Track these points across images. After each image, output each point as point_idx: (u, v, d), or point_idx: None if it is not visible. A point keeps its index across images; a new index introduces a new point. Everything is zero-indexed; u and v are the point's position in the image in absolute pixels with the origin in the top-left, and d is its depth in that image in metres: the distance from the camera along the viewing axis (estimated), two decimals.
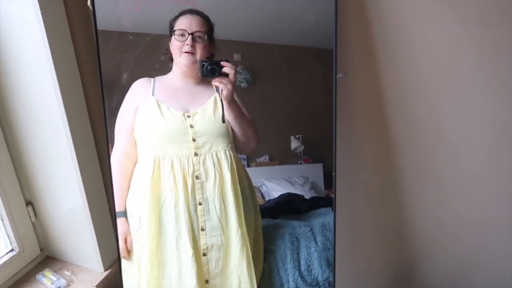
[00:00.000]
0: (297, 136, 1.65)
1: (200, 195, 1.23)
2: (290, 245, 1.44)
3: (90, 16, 1.17)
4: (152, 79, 1.28)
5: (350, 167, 1.45)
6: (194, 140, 1.22)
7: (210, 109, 1.27)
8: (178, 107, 1.24)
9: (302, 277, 1.39)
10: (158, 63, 1.31)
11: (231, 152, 1.28)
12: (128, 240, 1.27)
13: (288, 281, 1.38)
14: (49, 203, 1.41)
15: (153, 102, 1.23)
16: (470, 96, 1.27)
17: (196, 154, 1.23)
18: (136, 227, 1.26)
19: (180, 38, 1.22)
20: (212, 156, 1.24)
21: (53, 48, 1.15)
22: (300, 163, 1.70)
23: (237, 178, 1.29)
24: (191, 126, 1.23)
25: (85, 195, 1.33)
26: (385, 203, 1.48)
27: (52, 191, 1.38)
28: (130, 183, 1.27)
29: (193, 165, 1.22)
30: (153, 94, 1.24)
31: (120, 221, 1.27)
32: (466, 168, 1.37)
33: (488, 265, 1.45)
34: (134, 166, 1.27)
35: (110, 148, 1.28)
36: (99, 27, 1.17)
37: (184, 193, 1.21)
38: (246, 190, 1.33)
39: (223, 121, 1.24)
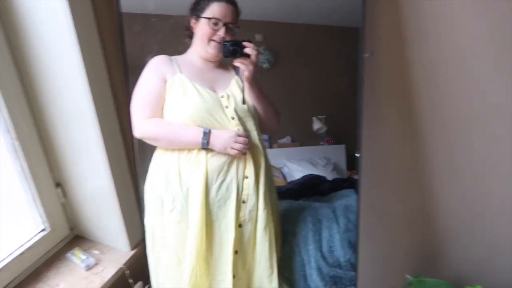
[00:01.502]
0: (319, 117, 1.63)
1: (248, 169, 1.25)
2: (312, 227, 1.45)
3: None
4: (171, 57, 1.27)
5: (375, 149, 1.43)
6: (232, 118, 1.23)
7: (237, 91, 1.27)
8: (206, 87, 1.25)
9: (323, 258, 1.40)
10: (182, 45, 1.30)
11: (259, 133, 1.29)
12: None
13: (310, 261, 1.40)
14: (77, 184, 1.44)
15: (185, 80, 1.22)
16: (501, 79, 1.23)
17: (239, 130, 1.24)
18: (169, 208, 1.25)
19: (213, 26, 1.21)
20: (249, 134, 1.25)
21: (78, 32, 1.16)
22: (322, 144, 1.69)
23: (266, 160, 1.31)
24: (227, 107, 1.24)
25: (111, 176, 1.35)
26: (411, 186, 1.45)
27: (80, 172, 1.42)
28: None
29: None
30: (181, 72, 1.24)
31: (215, 132, 1.20)
32: (495, 149, 1.33)
33: None
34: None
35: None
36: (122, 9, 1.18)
37: (236, 166, 1.24)
38: (270, 171, 1.35)
39: (244, 102, 1.25)
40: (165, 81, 1.23)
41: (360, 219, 1.33)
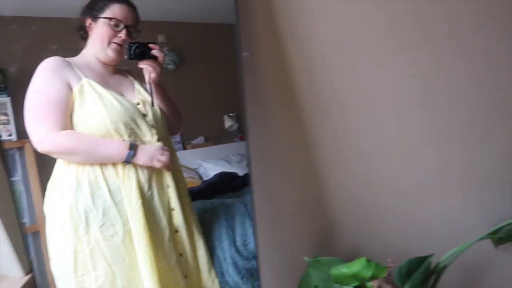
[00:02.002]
0: (230, 114, 1.66)
1: (168, 178, 1.25)
2: (225, 223, 1.47)
3: None
4: (64, 59, 1.16)
5: (264, 144, 1.49)
6: (153, 126, 1.21)
7: (147, 97, 1.24)
8: (118, 93, 1.20)
9: (238, 252, 1.42)
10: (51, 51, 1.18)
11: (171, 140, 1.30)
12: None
13: (226, 258, 1.41)
14: None
15: (95, 85, 1.14)
16: (375, 65, 1.34)
17: (159, 140, 1.22)
18: (99, 223, 1.18)
19: (114, 27, 1.17)
20: (166, 142, 1.25)
21: None
22: (236, 141, 1.71)
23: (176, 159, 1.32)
24: (145, 115, 1.21)
25: None
26: (304, 175, 1.54)
27: None
28: None
29: None
30: (86, 76, 1.15)
31: (142, 146, 1.17)
32: (377, 133, 1.46)
33: (403, 222, 1.58)
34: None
35: None
36: None
37: (156, 176, 1.22)
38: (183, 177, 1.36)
39: (152, 105, 1.23)
40: (69, 87, 1.12)
41: (257, 211, 1.37)
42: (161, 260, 1.23)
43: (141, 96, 1.25)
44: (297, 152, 1.49)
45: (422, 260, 1.23)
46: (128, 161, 1.15)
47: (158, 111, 1.25)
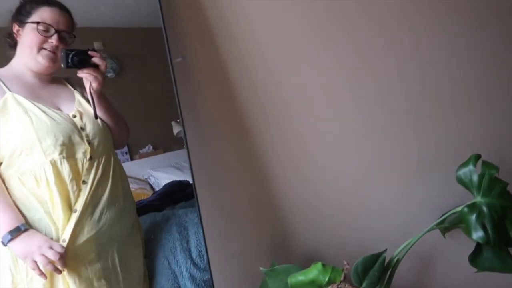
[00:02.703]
0: (178, 120, 1.60)
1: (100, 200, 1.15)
2: (178, 236, 1.43)
3: None
4: None
5: (206, 152, 1.46)
6: (89, 143, 1.12)
7: (88, 108, 1.17)
8: (51, 106, 1.11)
9: (195, 264, 1.39)
10: None
11: (115, 155, 1.22)
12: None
13: (182, 272, 1.37)
14: None
15: (20, 99, 1.06)
16: (309, 61, 1.36)
17: (91, 158, 1.13)
18: None
19: (44, 33, 1.08)
20: (105, 158, 1.16)
21: None
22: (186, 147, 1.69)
23: (123, 182, 1.26)
24: (82, 129, 1.12)
25: None
26: (246, 177, 1.53)
27: None
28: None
29: (85, 169, 1.12)
30: (10, 90, 1.06)
31: (31, 234, 1.05)
32: (322, 131, 1.47)
33: (355, 220, 1.61)
34: None
35: None
36: None
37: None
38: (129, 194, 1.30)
39: (96, 117, 1.15)
40: None
41: (204, 220, 1.33)
42: None
43: (81, 107, 1.17)
44: (242, 157, 1.47)
45: (376, 257, 1.25)
46: (3, 243, 1.03)
47: (100, 124, 1.18)
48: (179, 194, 1.62)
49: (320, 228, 1.55)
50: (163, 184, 1.67)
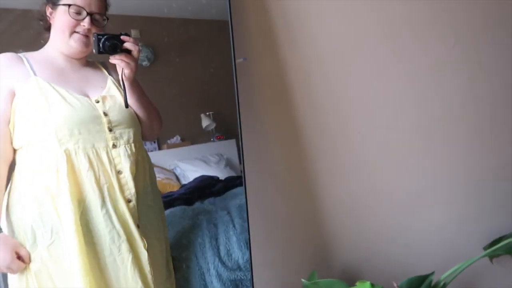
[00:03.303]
0: (207, 113, 1.60)
1: (128, 191, 1.10)
2: (208, 232, 1.42)
3: None
4: (20, 55, 1.06)
5: (257, 152, 1.43)
6: (110, 130, 1.07)
7: (116, 94, 1.12)
8: (76, 91, 1.07)
9: (222, 262, 1.37)
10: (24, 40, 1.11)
11: (142, 143, 1.17)
12: (24, 253, 1.05)
13: (209, 269, 1.35)
14: None
15: (43, 84, 1.02)
16: (373, 74, 1.30)
17: (114, 146, 1.08)
18: (47, 241, 1.05)
19: (75, 16, 1.04)
20: (131, 148, 1.11)
21: None
22: (213, 141, 1.66)
23: (149, 173, 1.20)
24: (105, 114, 1.07)
25: None
26: (298, 186, 1.50)
27: None
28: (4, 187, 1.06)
29: (113, 159, 1.08)
30: (35, 74, 1.03)
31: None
32: (375, 143, 1.42)
33: (402, 238, 1.57)
34: (6, 167, 1.06)
35: None
36: None
37: (109, 191, 1.06)
38: (155, 184, 1.25)
39: (126, 105, 1.10)
40: (11, 92, 1.02)
41: (251, 222, 1.32)
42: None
43: (109, 93, 1.13)
44: (293, 165, 1.44)
45: (423, 279, 1.21)
46: None
47: (127, 111, 1.12)
48: (208, 189, 1.60)
49: (364, 242, 1.52)
50: (189, 176, 1.66)
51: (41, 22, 1.08)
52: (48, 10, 1.07)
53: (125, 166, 1.09)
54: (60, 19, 1.05)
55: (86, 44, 1.07)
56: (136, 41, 1.06)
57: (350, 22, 1.22)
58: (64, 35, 1.06)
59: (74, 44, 1.06)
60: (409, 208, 1.53)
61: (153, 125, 1.21)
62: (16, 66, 1.04)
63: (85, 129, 1.04)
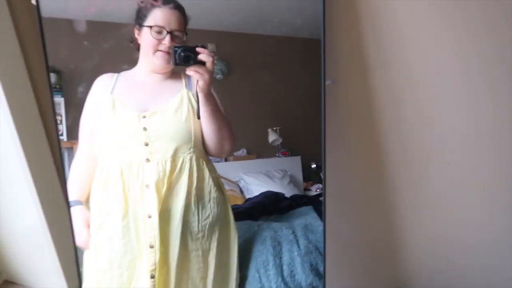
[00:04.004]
0: (274, 128, 1.61)
1: (150, 207, 1.11)
2: (272, 250, 1.39)
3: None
4: (116, 74, 1.17)
5: (338, 178, 1.39)
6: (146, 144, 1.10)
7: (171, 108, 1.14)
8: (136, 106, 1.13)
9: (285, 283, 1.33)
10: (125, 56, 1.20)
11: (192, 159, 1.15)
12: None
13: (271, 287, 1.31)
14: (4, 223, 1.27)
15: (109, 102, 1.12)
16: (466, 105, 1.21)
17: (148, 160, 1.10)
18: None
19: (157, 35, 1.10)
20: (165, 163, 1.11)
21: None
22: (278, 156, 1.67)
23: (194, 188, 1.16)
24: (145, 129, 1.11)
25: (43, 214, 1.20)
26: (375, 214, 1.44)
27: (7, 210, 1.24)
28: (90, 180, 1.16)
29: (143, 173, 1.10)
30: (112, 92, 1.14)
31: (77, 209, 1.17)
32: (462, 178, 1.32)
33: (484, 275, 1.44)
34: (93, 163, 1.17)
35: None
36: (49, 14, 1.05)
37: (133, 204, 1.10)
38: (209, 200, 1.20)
39: (198, 117, 1.11)
40: (97, 109, 1.14)
41: (326, 249, 1.27)
42: None
43: (165, 106, 1.14)
44: (374, 192, 1.38)
45: None
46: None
47: (174, 126, 1.13)
48: (273, 206, 1.59)
49: (447, 274, 1.41)
50: (253, 189, 1.66)
51: (131, 44, 1.16)
52: (136, 32, 1.14)
53: (152, 180, 1.10)
54: (145, 40, 1.12)
55: (168, 61, 1.12)
56: (210, 53, 1.06)
57: (449, 47, 1.14)
58: (148, 54, 1.13)
59: (157, 62, 1.13)
60: (494, 251, 1.39)
61: (223, 142, 1.17)
62: (104, 86, 1.16)
63: (123, 143, 1.11)
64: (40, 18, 1.07)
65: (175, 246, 1.13)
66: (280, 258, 1.37)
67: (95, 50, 1.23)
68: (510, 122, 1.24)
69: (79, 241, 1.17)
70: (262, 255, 1.35)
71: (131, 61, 1.18)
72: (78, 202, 1.17)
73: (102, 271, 1.13)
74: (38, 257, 1.31)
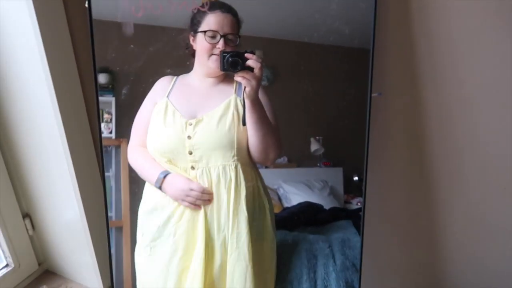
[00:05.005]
0: (317, 138, 1.56)
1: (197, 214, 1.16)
2: (306, 263, 1.37)
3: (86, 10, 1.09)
4: (174, 77, 1.21)
5: (380, 193, 1.33)
6: (190, 153, 1.13)
7: (216, 116, 1.14)
8: (186, 111, 1.15)
9: None
10: (174, 60, 1.24)
11: (237, 167, 1.15)
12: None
13: None
14: (47, 215, 1.33)
15: (163, 105, 1.16)
16: None
17: (193, 168, 1.13)
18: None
19: (211, 40, 1.12)
20: (209, 171, 1.14)
21: (47, 49, 1.04)
22: (320, 166, 1.62)
23: (239, 197, 1.16)
24: (189, 137, 1.12)
25: (83, 208, 1.25)
26: (416, 234, 1.36)
27: (51, 203, 1.30)
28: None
29: (193, 179, 1.14)
30: (168, 95, 1.17)
31: (173, 177, 1.15)
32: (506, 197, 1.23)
33: None
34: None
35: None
36: (100, 17, 1.09)
37: (182, 209, 1.15)
38: (254, 210, 1.21)
39: (244, 123, 1.11)
40: (155, 105, 1.18)
41: (362, 266, 1.21)
42: None
43: (213, 113, 1.15)
44: (415, 209, 1.31)
45: None
46: (157, 188, 1.15)
47: (219, 134, 1.13)
48: (310, 217, 1.55)
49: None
50: (291, 198, 1.62)
51: (187, 50, 1.19)
52: (191, 38, 1.17)
53: None
54: (200, 45, 1.14)
55: None
56: (259, 59, 1.06)
57: (504, 66, 1.06)
58: (203, 58, 1.15)
59: (211, 65, 1.14)
60: None
61: (268, 150, 1.17)
62: (163, 87, 1.20)
63: (170, 149, 1.14)
64: (91, 19, 1.12)
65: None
66: (315, 272, 1.34)
67: (142, 53, 1.26)
68: None
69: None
70: (296, 268, 1.33)
71: (176, 65, 1.21)
72: (165, 172, 1.16)
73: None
74: (77, 252, 1.36)
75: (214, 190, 1.14)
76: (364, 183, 1.20)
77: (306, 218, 1.55)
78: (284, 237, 1.41)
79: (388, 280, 1.40)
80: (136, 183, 1.24)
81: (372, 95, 1.12)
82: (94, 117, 1.29)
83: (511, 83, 1.08)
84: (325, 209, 1.56)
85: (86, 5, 1.09)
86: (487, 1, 0.99)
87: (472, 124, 1.15)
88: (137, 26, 1.23)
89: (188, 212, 1.15)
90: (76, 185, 1.23)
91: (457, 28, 1.08)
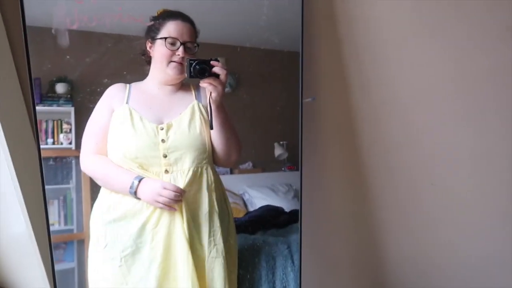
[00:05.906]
0: (281, 142, 1.59)
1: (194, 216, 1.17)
2: (265, 265, 1.39)
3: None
4: (127, 85, 1.21)
5: (317, 196, 1.38)
6: (165, 156, 1.14)
7: (185, 120, 1.18)
8: (151, 118, 1.16)
9: None
10: (125, 68, 1.24)
11: (207, 169, 1.20)
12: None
13: None
14: None
15: (126, 111, 1.15)
16: (449, 124, 1.19)
17: (167, 172, 1.14)
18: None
19: (171, 46, 1.15)
20: (183, 174, 1.15)
21: None
22: (284, 171, 1.65)
23: (212, 197, 1.21)
24: (163, 141, 1.14)
25: (29, 220, 1.23)
26: (354, 231, 1.41)
27: None
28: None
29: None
30: (127, 102, 1.17)
31: (146, 183, 1.13)
32: (440, 190, 1.30)
33: None
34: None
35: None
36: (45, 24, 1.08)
37: (158, 214, 1.14)
38: (223, 211, 1.26)
39: (211, 127, 1.15)
40: (112, 112, 1.17)
41: (303, 262, 1.27)
42: None
43: (181, 118, 1.18)
44: (353, 207, 1.37)
45: None
46: (132, 194, 1.12)
47: (190, 137, 1.17)
48: (271, 220, 1.59)
49: None
50: (256, 203, 1.65)
51: (143, 57, 1.21)
52: (148, 45, 1.19)
53: None
54: (158, 51, 1.17)
55: (181, 71, 1.17)
56: (224, 66, 1.11)
57: (428, 68, 1.15)
58: (162, 65, 1.17)
59: (170, 72, 1.17)
60: (478, 270, 1.36)
61: (231, 153, 1.23)
62: (119, 94, 1.19)
63: (143, 154, 1.14)
64: (24, 26, 1.10)
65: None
66: (273, 273, 1.38)
67: (98, 62, 1.25)
68: (498, 136, 1.23)
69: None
70: (255, 269, 1.36)
71: (134, 72, 1.23)
72: (139, 177, 1.14)
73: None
74: (26, 266, 1.33)
75: (189, 191, 1.15)
76: (300, 186, 1.24)
77: (267, 221, 1.58)
78: (244, 241, 1.44)
79: (329, 278, 1.44)
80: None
81: (305, 100, 1.18)
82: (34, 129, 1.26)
83: (436, 83, 1.15)
84: (286, 212, 1.60)
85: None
86: (408, 6, 1.07)
87: (400, 123, 1.22)
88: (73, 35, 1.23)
89: (165, 216, 1.14)
90: (22, 199, 1.22)
91: (380, 32, 1.15)
